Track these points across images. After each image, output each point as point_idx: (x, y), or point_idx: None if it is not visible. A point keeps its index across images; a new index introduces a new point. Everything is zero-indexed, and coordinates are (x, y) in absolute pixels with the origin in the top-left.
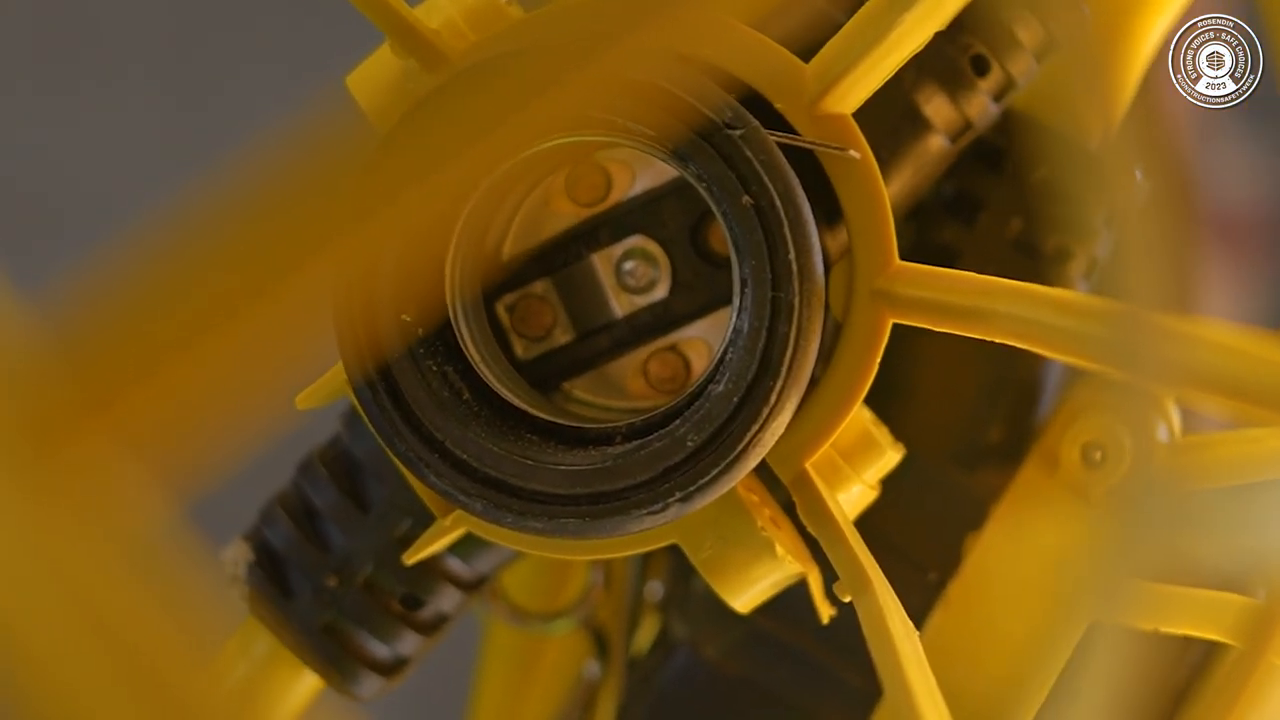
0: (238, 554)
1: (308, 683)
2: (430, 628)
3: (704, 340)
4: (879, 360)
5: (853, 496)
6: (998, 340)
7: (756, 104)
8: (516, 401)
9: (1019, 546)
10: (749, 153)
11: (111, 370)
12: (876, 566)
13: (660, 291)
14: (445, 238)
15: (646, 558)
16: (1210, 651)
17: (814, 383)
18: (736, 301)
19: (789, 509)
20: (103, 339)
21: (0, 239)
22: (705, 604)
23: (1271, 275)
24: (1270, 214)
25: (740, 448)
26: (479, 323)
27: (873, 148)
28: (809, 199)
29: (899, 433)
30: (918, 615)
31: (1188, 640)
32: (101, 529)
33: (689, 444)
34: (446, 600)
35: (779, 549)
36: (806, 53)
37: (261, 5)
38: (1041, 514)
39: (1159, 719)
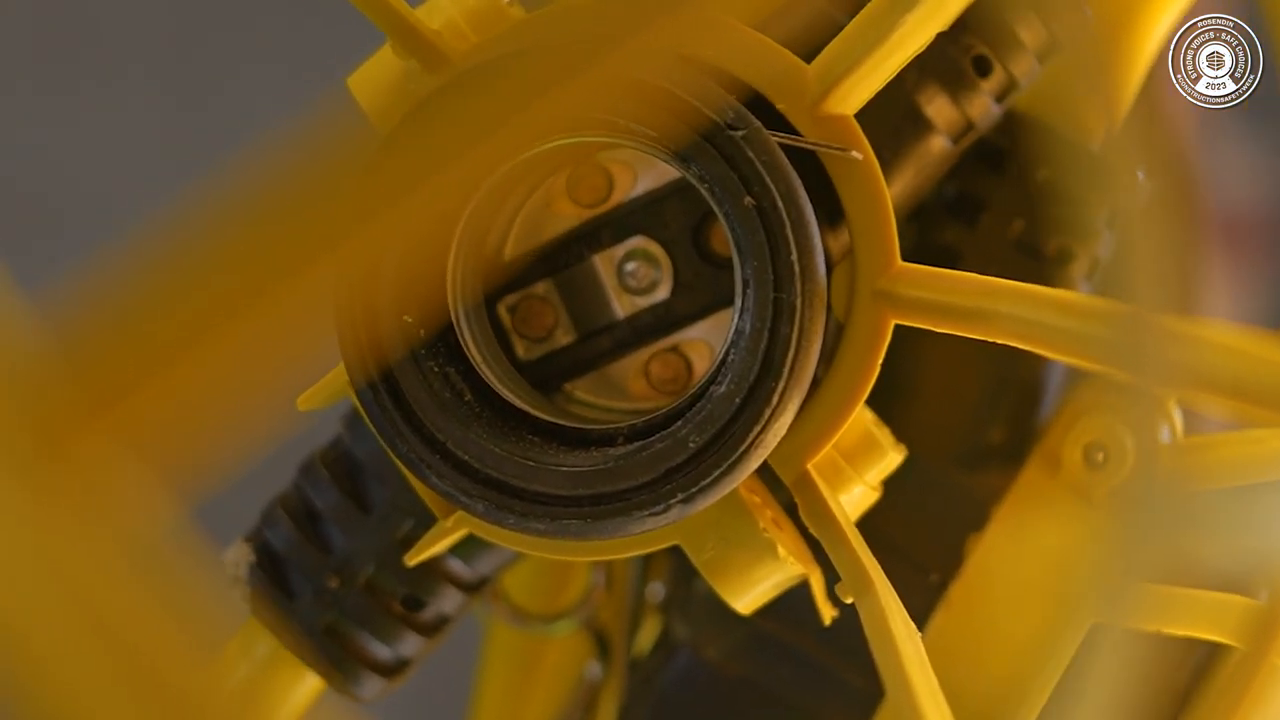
0: (239, 555)
1: (309, 684)
2: (431, 629)
3: (705, 341)
4: (881, 361)
5: (854, 497)
6: (1000, 341)
7: (758, 105)
8: (518, 403)
9: (1021, 547)
10: (751, 153)
11: (114, 371)
12: (878, 568)
13: (662, 292)
14: (447, 239)
15: (648, 559)
16: (1213, 653)
17: (816, 384)
18: (738, 302)
19: (791, 510)
20: (106, 340)
21: (0, 239)
22: (707, 605)
23: (1271, 275)
24: (1270, 214)
25: (742, 449)
26: (480, 324)
27: (875, 148)
28: (811, 200)
29: (901, 434)
30: (919, 616)
31: (1190, 642)
32: (104, 530)
33: (691, 445)
34: (448, 601)
35: (781, 550)
36: (808, 54)
37: (261, 5)
38: (1043, 515)
39: None
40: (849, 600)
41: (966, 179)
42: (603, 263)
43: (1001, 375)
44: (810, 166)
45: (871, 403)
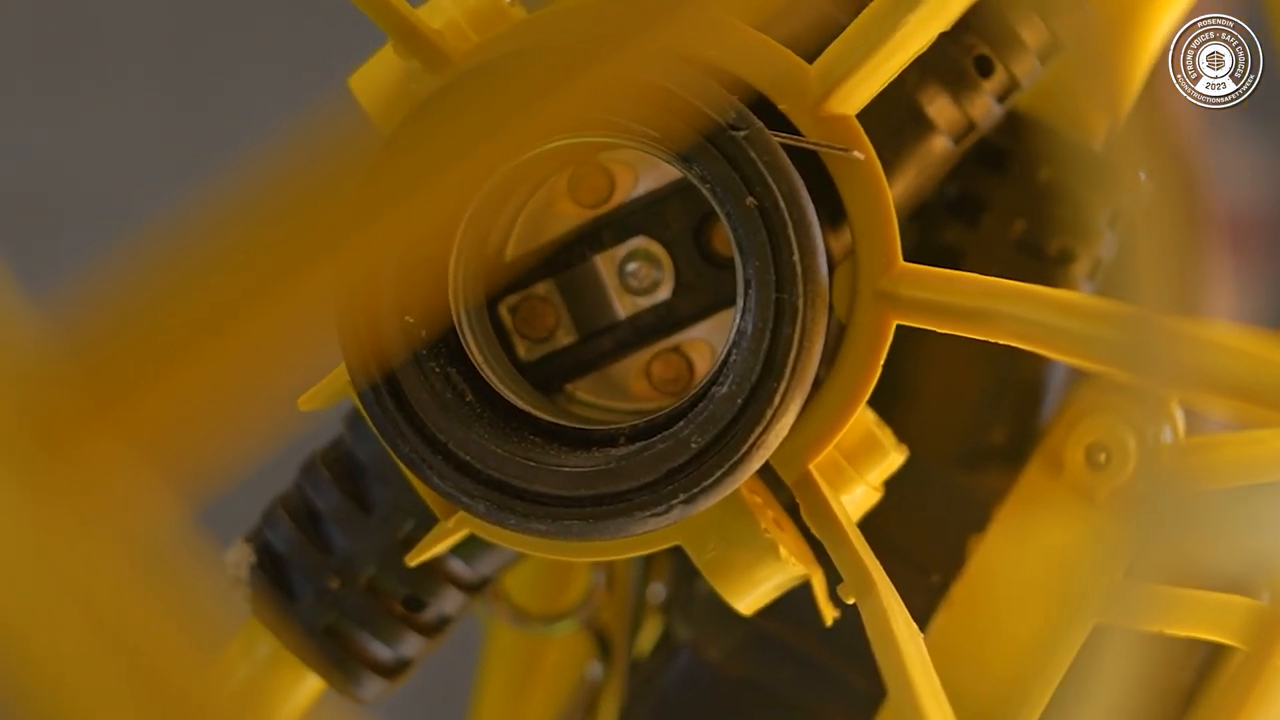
0: (240, 556)
1: (310, 684)
2: (432, 629)
3: (707, 342)
4: (883, 362)
5: (856, 498)
6: (1002, 342)
7: (760, 105)
8: (520, 403)
9: (1023, 548)
10: (753, 154)
11: (118, 372)
12: (880, 568)
13: (663, 293)
14: (448, 239)
15: (649, 559)
16: (1215, 654)
17: (817, 384)
18: (740, 303)
19: (792, 511)
20: (109, 341)
21: (0, 239)
22: (708, 606)
23: (1271, 275)
24: (1270, 214)
25: (744, 449)
26: (482, 324)
27: (876, 149)
28: (813, 200)
29: (902, 434)
30: (921, 617)
31: (1193, 642)
32: (106, 530)
33: (693, 446)
34: (449, 602)
35: (782, 551)
36: (810, 54)
37: (261, 5)
38: (1045, 515)
39: None
40: (851, 601)
41: (968, 179)
42: (604, 263)
43: (1003, 376)
44: (812, 167)
45: (873, 403)
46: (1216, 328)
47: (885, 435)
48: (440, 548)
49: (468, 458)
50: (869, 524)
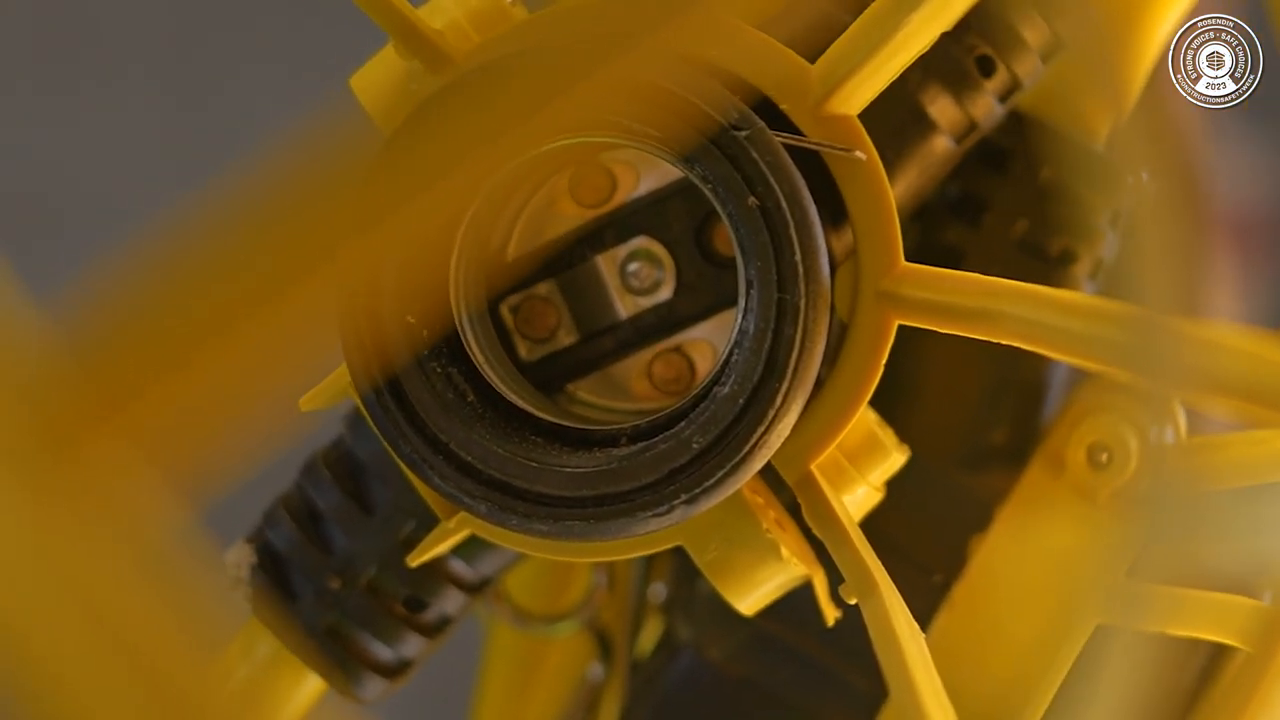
0: (241, 556)
1: (311, 685)
2: (433, 630)
3: (708, 342)
4: (884, 362)
5: (858, 498)
6: (1004, 342)
7: (762, 105)
8: (521, 403)
9: (1024, 548)
10: (755, 154)
11: (121, 374)
12: (882, 569)
13: (665, 293)
14: (449, 239)
15: (650, 559)
16: (1217, 654)
17: (819, 384)
18: (742, 303)
19: (794, 511)
20: (112, 343)
21: (0, 239)
22: (709, 606)
23: (1271, 275)
24: (1270, 214)
25: (746, 450)
26: (483, 324)
27: (878, 149)
28: (814, 200)
29: (904, 434)
30: (922, 617)
31: (1195, 642)
32: (109, 531)
33: (694, 446)
34: (450, 602)
35: (784, 551)
36: (812, 54)
37: (261, 5)
38: (1047, 516)
39: None
40: (852, 601)
41: (970, 179)
42: (605, 263)
43: (1004, 376)
44: (814, 167)
45: (875, 403)
46: (1218, 328)
47: (887, 435)
48: (441, 548)
49: (469, 458)
50: (871, 524)
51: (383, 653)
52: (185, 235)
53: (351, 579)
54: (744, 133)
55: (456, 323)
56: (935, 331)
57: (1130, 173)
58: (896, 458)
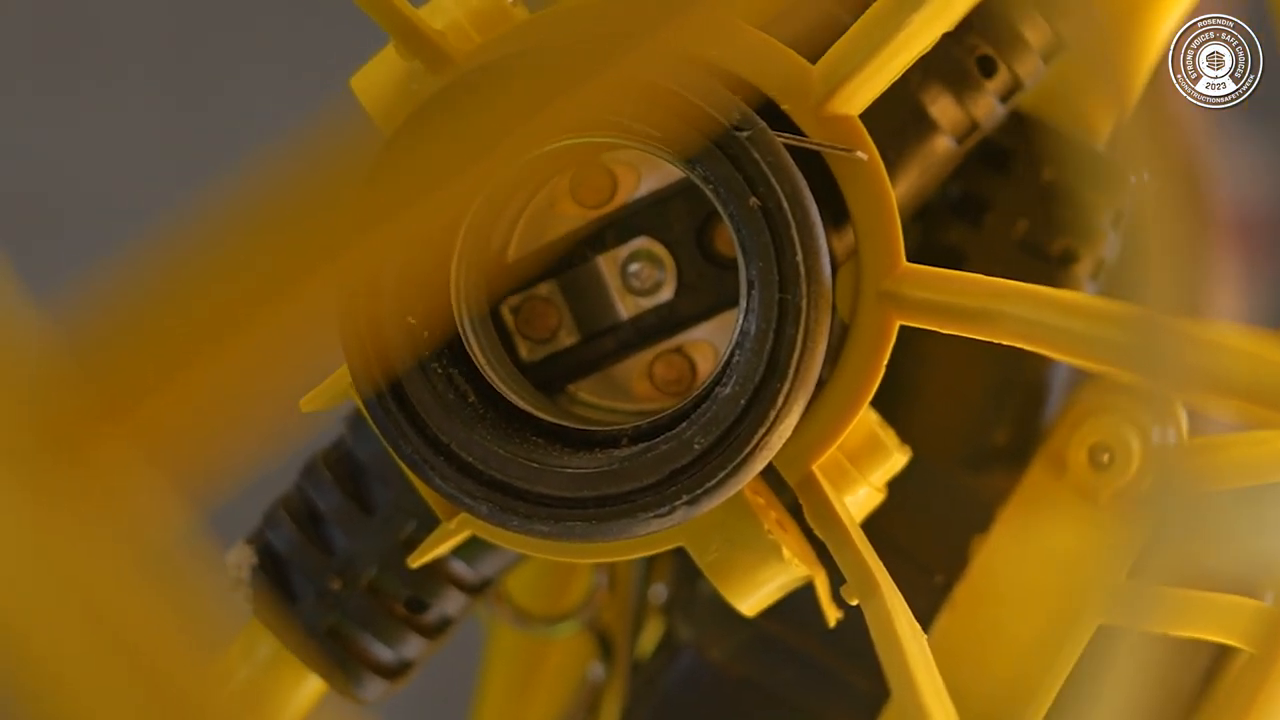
0: (241, 557)
1: (311, 686)
2: (434, 631)
3: (709, 342)
4: (886, 362)
5: (859, 499)
6: (1005, 342)
7: (763, 106)
8: (522, 404)
9: (1026, 549)
10: (756, 154)
11: (124, 376)
12: (884, 569)
13: (666, 293)
14: (450, 240)
15: (651, 560)
16: (1219, 655)
17: (820, 385)
18: (743, 303)
19: (795, 512)
20: (116, 345)
21: (0, 239)
22: (710, 607)
23: (1271, 275)
24: (1270, 214)
25: (747, 450)
26: (484, 325)
27: (879, 149)
28: (816, 200)
29: (905, 435)
30: (924, 618)
31: (1197, 644)
32: (110, 533)
33: (696, 447)
34: (451, 603)
35: (786, 552)
36: (813, 54)
37: (261, 5)
38: (1048, 516)
39: None
40: (854, 602)
41: (971, 179)
42: (606, 264)
43: (1006, 376)
44: (815, 167)
45: (876, 404)
46: (1220, 329)
47: (888, 436)
48: (442, 549)
49: (470, 459)
50: (872, 525)
51: (383, 654)
52: (187, 236)
53: (352, 580)
54: (745, 133)
55: (457, 324)
56: (937, 332)
57: (1132, 172)
58: (898, 458)
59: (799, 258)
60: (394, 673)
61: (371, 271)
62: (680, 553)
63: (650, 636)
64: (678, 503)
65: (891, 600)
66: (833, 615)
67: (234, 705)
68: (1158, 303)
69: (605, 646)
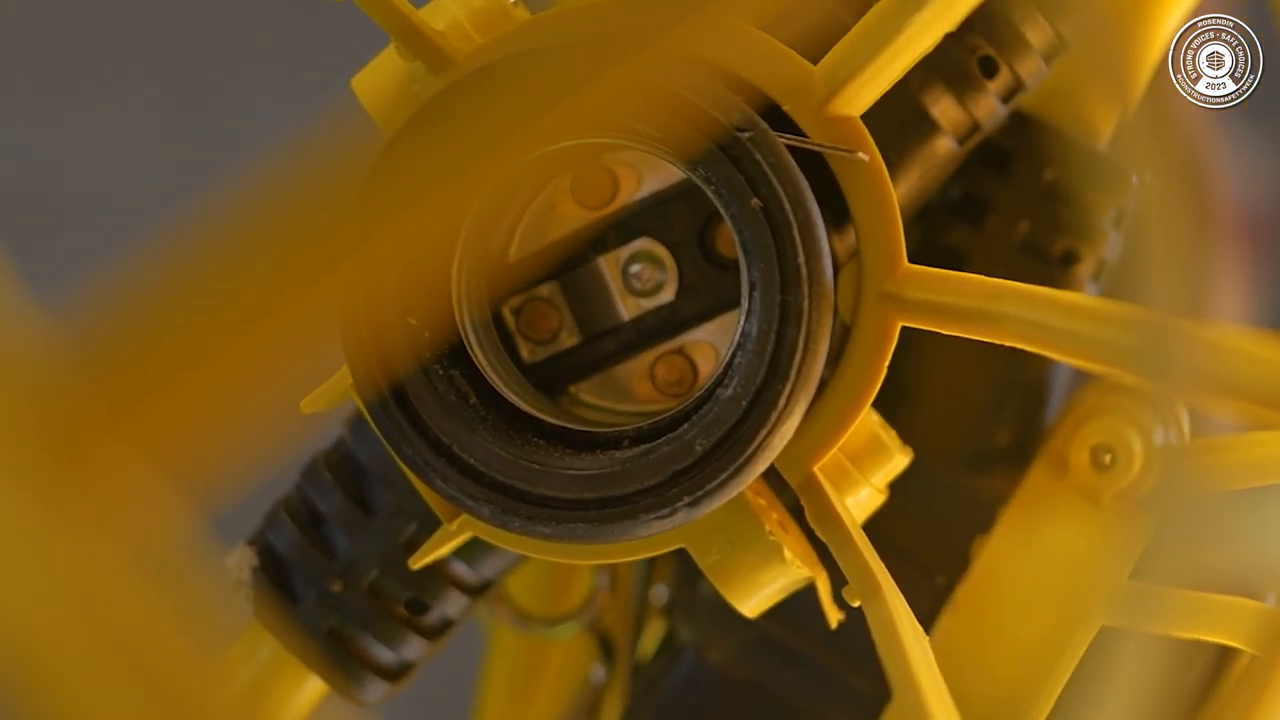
0: (242, 559)
1: (312, 687)
2: (435, 632)
3: (710, 343)
4: (887, 364)
5: (861, 500)
6: (1007, 344)
7: (765, 107)
8: (523, 406)
9: (1027, 550)
10: (758, 155)
11: (129, 380)
12: (885, 571)
13: (667, 294)
14: (451, 241)
15: (652, 562)
16: (1222, 657)
17: (822, 386)
18: (745, 305)
19: (796, 513)
20: (120, 349)
21: (0, 239)
22: (711, 608)
23: (1271, 275)
24: (1270, 214)
25: (749, 452)
26: (486, 326)
27: (880, 150)
28: (817, 201)
29: (907, 436)
30: (926, 619)
31: (1198, 645)
32: (111, 535)
33: (697, 448)
34: (452, 605)
35: (787, 553)
36: (815, 55)
37: (261, 5)
38: (1050, 517)
39: None
40: (856, 604)
41: (972, 180)
42: (608, 265)
43: (1007, 377)
44: (816, 168)
45: (878, 405)
46: (1222, 329)
47: (890, 437)
48: (443, 551)
49: (472, 461)
50: (873, 526)
51: (384, 655)
52: (189, 239)
53: (353, 581)
54: (747, 134)
55: (459, 325)
56: (938, 333)
57: (1134, 173)
58: (900, 459)
59: (801, 259)
60: (395, 674)
61: (373, 273)
62: (681, 554)
63: (651, 638)
64: (679, 504)
65: (893, 601)
66: (834, 617)
67: (235, 707)
68: (1160, 304)
69: (606, 648)
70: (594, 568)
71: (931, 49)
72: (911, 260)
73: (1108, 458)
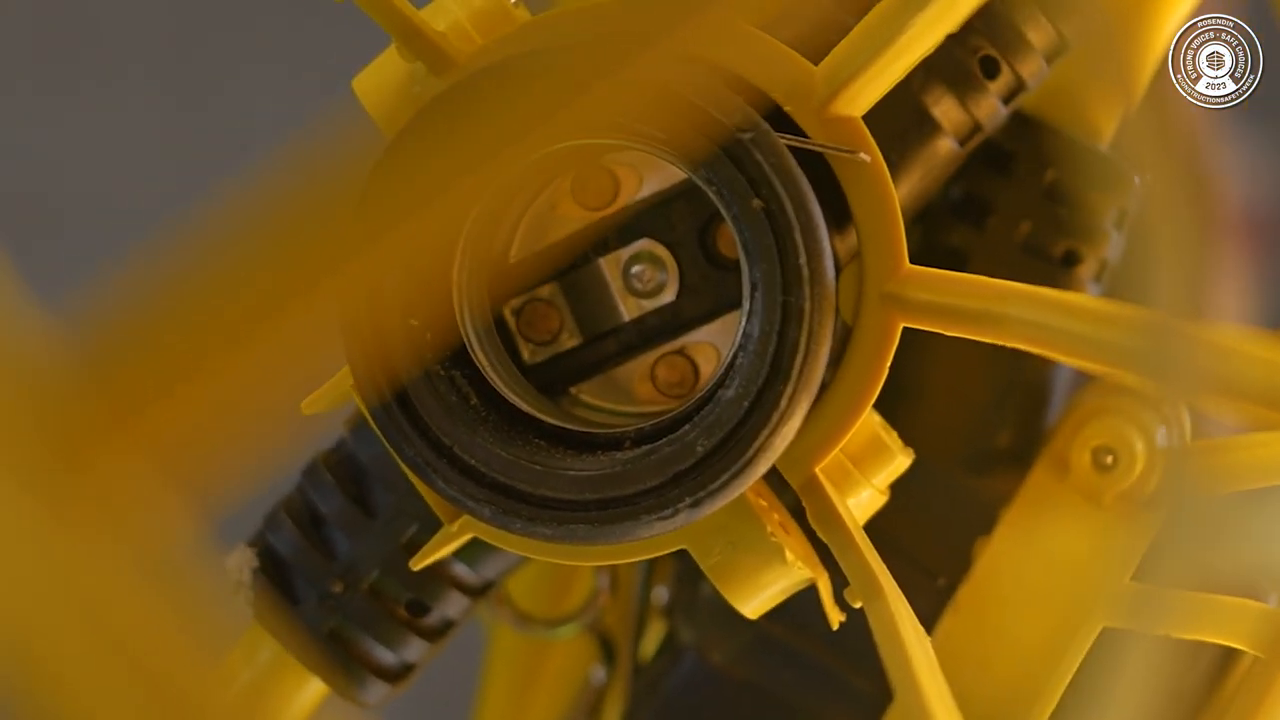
0: (242, 560)
1: (313, 689)
2: (436, 633)
3: (712, 344)
4: (889, 364)
5: (862, 501)
6: (1009, 345)
7: (766, 108)
8: (524, 406)
9: (1029, 551)
10: (759, 156)
11: (132, 385)
12: (887, 572)
13: (668, 295)
14: (452, 242)
15: (653, 562)
16: (1224, 658)
17: (823, 387)
18: (746, 306)
19: (798, 514)
20: (123, 354)
21: (0, 239)
22: (712, 609)
23: (1273, 276)
24: (1270, 214)
25: (750, 453)
26: (486, 327)
27: (882, 151)
28: (819, 202)
29: (908, 437)
30: (927, 620)
31: (1200, 646)
32: (112, 538)
33: (699, 449)
34: (452, 606)
35: (788, 554)
36: (816, 56)
37: (261, 5)
38: (1052, 518)
39: None
40: (857, 605)
41: (973, 181)
42: (608, 265)
43: (1009, 378)
44: (818, 169)
45: (879, 406)
46: (1223, 330)
47: (891, 438)
48: (444, 552)
49: (473, 462)
50: (875, 527)
51: (385, 656)
52: (191, 241)
53: (354, 583)
54: (748, 135)
55: (460, 326)
56: (940, 334)
57: (1136, 173)
58: (901, 460)
59: (802, 260)
60: (395, 675)
61: (374, 274)
62: (682, 555)
63: (652, 639)
64: (680, 505)
65: (895, 602)
66: (835, 617)
67: (235, 708)
68: (1162, 304)
69: (607, 649)
70: (595, 569)
71: (933, 49)
72: (913, 261)
73: (1110, 459)
